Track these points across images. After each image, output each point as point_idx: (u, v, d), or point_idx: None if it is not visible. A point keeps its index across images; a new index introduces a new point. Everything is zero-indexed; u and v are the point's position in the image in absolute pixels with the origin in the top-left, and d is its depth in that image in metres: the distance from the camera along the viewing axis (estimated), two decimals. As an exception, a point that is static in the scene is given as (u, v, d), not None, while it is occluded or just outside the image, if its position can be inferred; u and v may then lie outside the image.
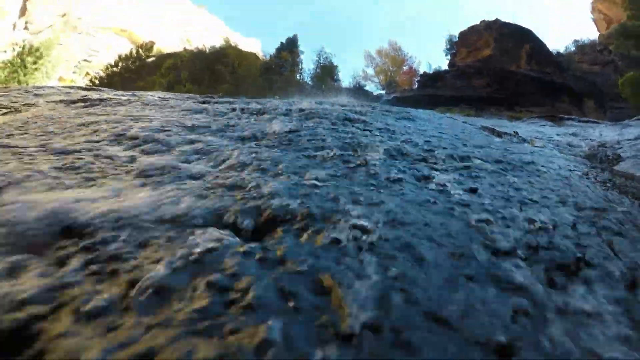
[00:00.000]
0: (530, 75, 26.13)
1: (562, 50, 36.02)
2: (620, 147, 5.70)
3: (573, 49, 36.93)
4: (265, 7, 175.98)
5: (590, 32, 76.97)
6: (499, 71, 26.43)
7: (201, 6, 60.15)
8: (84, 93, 5.54)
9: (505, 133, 5.38)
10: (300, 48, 24.43)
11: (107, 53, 43.78)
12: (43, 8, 41.62)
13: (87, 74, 40.07)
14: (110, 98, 4.85)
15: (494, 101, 23.64)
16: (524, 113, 21.59)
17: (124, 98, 4.99)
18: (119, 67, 31.17)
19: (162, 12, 50.24)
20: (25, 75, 28.78)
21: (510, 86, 24.88)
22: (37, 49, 29.92)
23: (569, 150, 5.10)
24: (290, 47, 24.01)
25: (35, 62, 29.67)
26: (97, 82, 31.84)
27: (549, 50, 30.70)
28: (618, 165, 4.19)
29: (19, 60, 28.48)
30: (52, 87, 8.73)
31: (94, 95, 5.56)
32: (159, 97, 5.46)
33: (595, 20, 54.63)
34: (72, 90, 6.40)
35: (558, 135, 7.79)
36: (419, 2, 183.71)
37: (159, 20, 48.74)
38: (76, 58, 42.47)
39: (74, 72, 41.34)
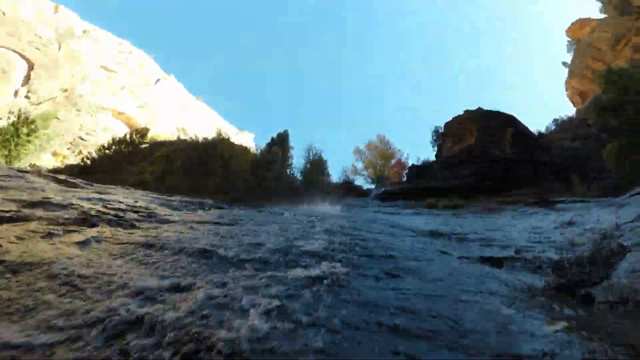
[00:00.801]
0: (515, 158, 26.72)
1: (543, 130, 37.67)
2: (622, 235, 5.50)
3: (554, 127, 38.65)
4: (260, 102, 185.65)
5: (567, 109, 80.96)
6: (483, 159, 27.03)
7: (198, 97, 62.91)
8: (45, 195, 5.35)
9: (506, 258, 4.96)
10: (291, 143, 25.10)
11: (103, 133, 44.82)
12: (47, 79, 42.94)
13: (80, 152, 40.77)
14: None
15: (481, 188, 23.92)
16: (513, 197, 21.87)
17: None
18: (112, 150, 31.57)
19: (160, 99, 52.29)
20: (16, 145, 28.37)
21: (496, 172, 25.30)
22: (33, 121, 30.03)
23: (573, 252, 5.05)
24: (281, 142, 24.63)
25: (29, 134, 29.55)
26: (88, 162, 32.21)
27: (531, 132, 31.83)
28: (625, 258, 3.94)
29: (13, 129, 28.12)
30: (27, 171, 8.72)
31: (57, 197, 5.46)
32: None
33: (570, 97, 57.85)
34: (42, 182, 6.40)
35: (556, 228, 7.74)
36: (409, 95, 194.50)
37: (156, 107, 50.57)
38: (73, 134, 43.28)
39: (68, 149, 41.91)
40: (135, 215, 5.19)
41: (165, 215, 5.74)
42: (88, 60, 47.00)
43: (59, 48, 45.92)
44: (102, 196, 6.61)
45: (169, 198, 8.73)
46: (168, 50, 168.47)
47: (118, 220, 4.56)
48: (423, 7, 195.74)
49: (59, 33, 47.46)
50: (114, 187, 11.85)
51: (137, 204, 6.48)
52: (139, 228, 4.37)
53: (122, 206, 5.76)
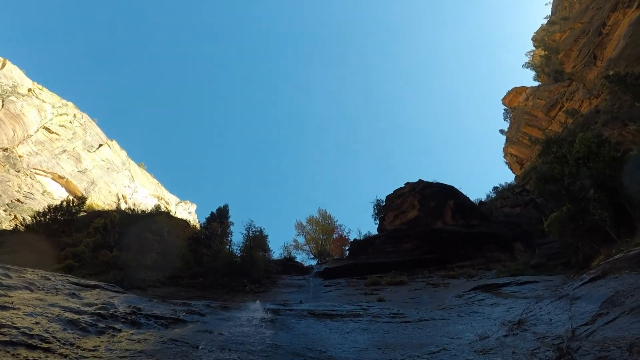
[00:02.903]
0: (457, 230, 27.12)
1: (484, 199, 39.31)
2: (579, 347, 5.06)
3: (494, 195, 40.48)
4: (202, 172, 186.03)
5: (506, 176, 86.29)
6: (426, 232, 27.36)
7: (140, 164, 62.18)
8: None
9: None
10: (233, 216, 24.82)
11: (41, 197, 42.55)
12: (-15, 137, 40.98)
13: (16, 217, 38.28)
14: None
15: (424, 262, 23.99)
16: (457, 270, 22.14)
17: None
18: (47, 218, 29.90)
19: (101, 165, 50.90)
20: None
21: (438, 244, 25.48)
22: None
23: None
24: (220, 217, 24.31)
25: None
26: (22, 228, 30.32)
27: (471, 202, 32.99)
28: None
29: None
30: None
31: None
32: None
33: (509, 164, 61.72)
34: None
35: (506, 336, 6.92)
36: (348, 170, 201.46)
37: (97, 173, 49.02)
38: (10, 196, 40.80)
39: (4, 210, 39.34)
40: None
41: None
42: (30, 121, 45.39)
43: (1, 106, 44.24)
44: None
45: (82, 308, 7.95)
46: (114, 114, 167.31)
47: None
48: (359, 79, 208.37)
49: (2, 89, 45.99)
50: (33, 272, 10.95)
51: (33, 331, 5.79)
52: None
53: (5, 338, 5.15)
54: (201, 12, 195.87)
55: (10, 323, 5.74)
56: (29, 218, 31.30)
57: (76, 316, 7.14)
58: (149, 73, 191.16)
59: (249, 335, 7.45)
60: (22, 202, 40.64)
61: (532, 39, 66.73)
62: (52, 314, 6.84)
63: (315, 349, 7.08)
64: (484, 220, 29.98)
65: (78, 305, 7.98)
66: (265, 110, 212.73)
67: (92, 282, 11.63)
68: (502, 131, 64.11)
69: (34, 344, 5.31)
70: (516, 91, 62.11)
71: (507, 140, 61.08)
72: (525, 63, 67.92)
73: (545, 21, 68.17)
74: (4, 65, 48.99)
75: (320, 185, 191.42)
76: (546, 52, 60.17)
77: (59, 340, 5.60)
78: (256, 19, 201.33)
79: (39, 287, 9.41)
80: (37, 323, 6.27)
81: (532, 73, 66.41)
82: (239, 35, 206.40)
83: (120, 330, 6.69)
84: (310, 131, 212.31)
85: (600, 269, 8.55)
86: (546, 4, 76.72)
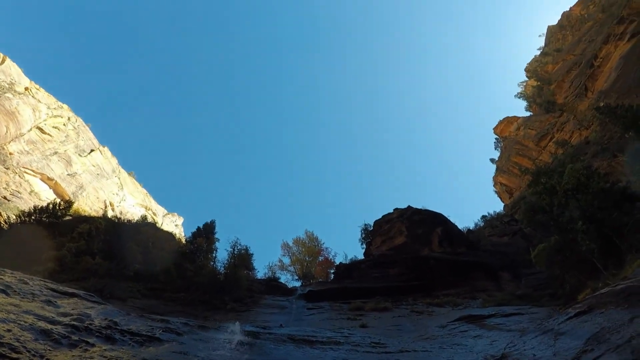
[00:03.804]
0: (443, 258, 26.89)
1: (472, 227, 38.98)
2: None
3: (482, 224, 40.38)
4: (191, 186, 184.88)
5: (495, 205, 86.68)
6: (412, 258, 27.11)
7: (131, 172, 61.70)
8: None
9: None
10: (217, 235, 24.54)
11: (29, 196, 41.86)
12: (-25, 132, 40.40)
13: (0, 214, 37.53)
14: None
15: (410, 289, 23.73)
16: (442, 298, 21.90)
17: None
18: (32, 219, 29.48)
19: (91, 170, 50.36)
20: None
21: (425, 271, 25.25)
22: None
23: None
24: (207, 232, 24.03)
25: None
26: (5, 226, 29.73)
27: (459, 230, 32.90)
28: None
29: None
30: None
31: None
32: None
33: (498, 193, 61.93)
34: None
35: None
36: (336, 193, 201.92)
37: (86, 178, 48.43)
38: (-3, 193, 40.07)
39: (-11, 206, 38.60)
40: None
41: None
42: (24, 119, 44.99)
43: (-3, 101, 43.77)
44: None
45: (57, 318, 7.67)
46: (108, 120, 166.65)
47: None
48: (344, 103, 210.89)
49: (0, 85, 45.68)
50: (12, 275, 10.65)
51: (3, 339, 5.56)
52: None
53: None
54: (198, 21, 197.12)
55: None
56: (14, 217, 30.73)
57: (50, 326, 6.96)
58: (146, 81, 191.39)
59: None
60: (8, 200, 39.89)
61: (525, 70, 67.90)
62: (26, 322, 6.66)
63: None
64: (471, 248, 29.88)
65: (53, 315, 7.76)
66: (261, 130, 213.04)
67: (71, 290, 11.37)
68: (492, 160, 64.44)
69: (3, 352, 5.17)
70: (508, 121, 62.67)
71: (497, 169, 61.43)
72: (518, 93, 68.84)
73: (538, 52, 69.53)
74: (3, 61, 48.70)
75: (309, 207, 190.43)
76: (538, 83, 61.09)
77: (29, 351, 5.45)
78: (255, 23, 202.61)
79: (16, 291, 9.17)
80: (8, 330, 6.11)
81: (524, 103, 67.16)
82: (235, 44, 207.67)
83: (93, 345, 6.50)
84: (301, 153, 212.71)
85: (586, 304, 8.47)
86: (540, 35, 78.60)
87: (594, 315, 7.37)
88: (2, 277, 9.81)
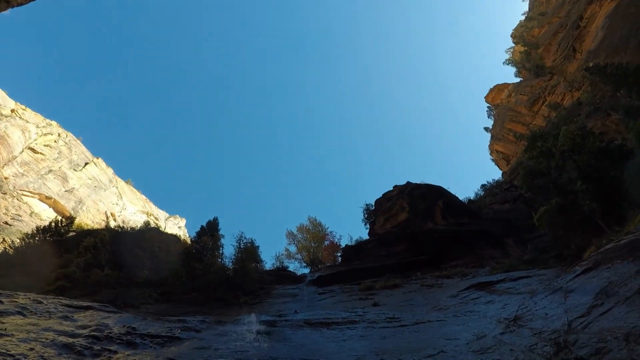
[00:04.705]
0: (447, 229, 27.14)
1: (472, 197, 39.19)
2: (576, 340, 5.01)
3: (482, 193, 40.53)
4: (189, 186, 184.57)
5: (494, 173, 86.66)
6: (417, 234, 27.36)
7: (128, 180, 61.62)
8: None
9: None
10: (223, 228, 24.72)
11: (29, 218, 41.86)
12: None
13: (4, 240, 37.58)
14: None
15: (417, 264, 23.95)
16: (450, 270, 22.14)
17: None
18: (36, 240, 29.53)
19: (88, 184, 50.28)
20: None
21: (430, 245, 25.46)
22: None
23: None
24: (211, 230, 24.20)
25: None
26: (11, 251, 29.84)
27: (460, 201, 33.14)
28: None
29: None
30: None
31: None
32: None
33: (495, 161, 62.05)
34: None
35: (502, 334, 6.86)
36: (335, 176, 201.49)
37: (84, 192, 48.39)
38: (-2, 219, 40.06)
39: (-8, 234, 38.64)
40: None
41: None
42: (14, 142, 44.69)
43: (-16, 129, 43.52)
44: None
45: (76, 331, 7.77)
46: (98, 132, 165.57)
47: None
48: (333, 85, 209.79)
49: (-15, 112, 45.36)
50: (25, 297, 10.73)
51: (28, 357, 5.63)
52: None
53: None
54: (189, 23, 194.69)
55: (4, 351, 5.65)
56: (18, 240, 30.83)
57: (71, 340, 7.02)
58: (129, 89, 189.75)
59: (246, 350, 7.36)
60: (10, 225, 39.91)
61: (511, 36, 67.30)
62: (47, 339, 6.72)
63: (313, 360, 6.95)
64: (474, 218, 30.04)
65: (72, 328, 7.84)
66: (253, 121, 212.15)
67: (85, 303, 11.45)
68: (486, 129, 64.33)
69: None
70: (498, 88, 62.48)
71: (492, 137, 61.48)
72: (506, 60, 68.31)
73: (523, 17, 68.89)
74: (-15, 86, 48.37)
75: (309, 193, 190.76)
76: (526, 48, 60.65)
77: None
78: (252, 27, 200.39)
79: (32, 311, 9.23)
80: (31, 349, 6.17)
81: (513, 69, 66.72)
82: (229, 47, 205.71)
83: (116, 352, 6.58)
84: (295, 139, 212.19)
85: (592, 260, 8.57)
86: (523, 0, 77.84)
87: (600, 271, 7.45)
88: (16, 299, 9.87)
